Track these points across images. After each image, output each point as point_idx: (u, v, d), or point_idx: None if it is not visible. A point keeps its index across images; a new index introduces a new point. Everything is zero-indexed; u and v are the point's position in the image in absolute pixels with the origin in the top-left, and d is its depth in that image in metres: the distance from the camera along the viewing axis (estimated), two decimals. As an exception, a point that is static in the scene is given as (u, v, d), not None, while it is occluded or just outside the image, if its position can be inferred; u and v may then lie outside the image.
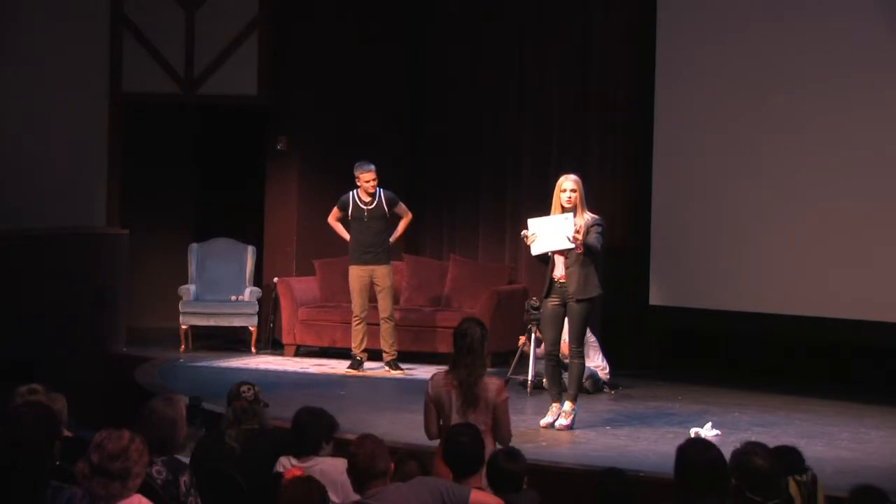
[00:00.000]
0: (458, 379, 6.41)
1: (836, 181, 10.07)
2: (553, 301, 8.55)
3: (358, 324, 10.76)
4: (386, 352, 10.80)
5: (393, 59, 12.71)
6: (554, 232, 8.37)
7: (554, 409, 8.53)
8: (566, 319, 8.59)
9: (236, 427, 6.17)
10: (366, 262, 10.71)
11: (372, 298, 10.83)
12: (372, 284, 10.75)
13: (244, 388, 6.28)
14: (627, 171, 11.55)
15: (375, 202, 10.74)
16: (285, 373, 10.89)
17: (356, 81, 12.42)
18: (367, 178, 10.67)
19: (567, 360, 8.69)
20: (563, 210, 8.45)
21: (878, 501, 4.77)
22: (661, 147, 11.07)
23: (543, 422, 8.49)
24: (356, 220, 10.73)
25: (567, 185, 8.47)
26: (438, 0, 12.72)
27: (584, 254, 8.38)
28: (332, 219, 10.87)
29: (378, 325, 10.79)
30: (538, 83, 12.03)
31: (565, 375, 8.68)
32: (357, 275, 10.75)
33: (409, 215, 10.97)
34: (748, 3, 10.71)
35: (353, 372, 10.76)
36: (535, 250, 8.48)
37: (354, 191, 10.77)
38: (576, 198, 8.43)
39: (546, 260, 8.54)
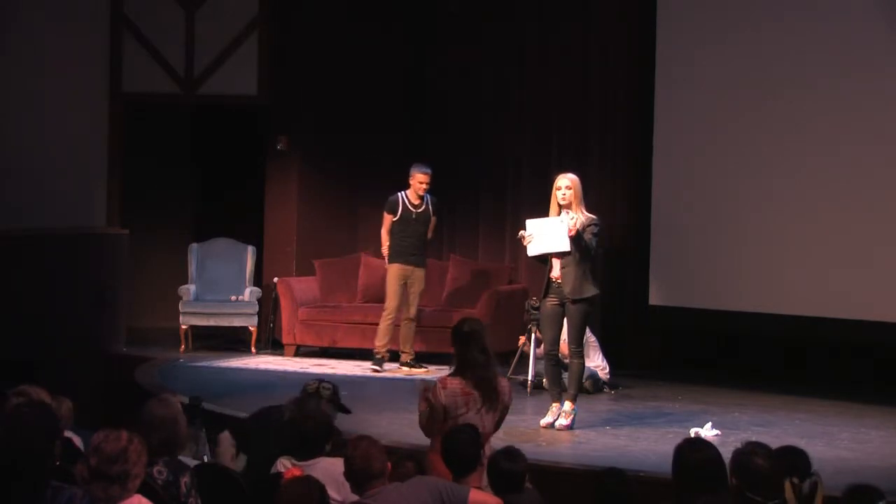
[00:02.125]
0: (475, 379, 6.17)
1: (836, 181, 10.07)
2: (551, 301, 8.55)
3: (389, 321, 10.78)
4: (405, 352, 10.86)
5: (393, 59, 12.70)
6: (551, 233, 8.38)
7: (554, 409, 8.53)
8: (565, 319, 8.60)
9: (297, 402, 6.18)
10: (409, 263, 10.78)
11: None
12: (407, 284, 10.79)
13: (314, 382, 6.40)
14: (627, 171, 11.55)
15: (423, 206, 10.80)
16: (285, 373, 10.87)
17: (356, 81, 12.41)
18: (422, 178, 10.73)
19: (567, 360, 8.69)
20: (560, 208, 8.46)
21: (870, 498, 4.75)
22: (661, 147, 11.07)
23: (543, 422, 8.49)
24: (403, 222, 10.75)
25: (562, 183, 8.48)
26: (438, 0, 12.71)
27: (579, 252, 8.37)
28: (386, 229, 10.81)
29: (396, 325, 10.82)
30: (538, 83, 12.02)
31: (565, 375, 8.68)
32: (399, 273, 10.75)
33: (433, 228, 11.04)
34: (748, 3, 10.72)
35: (377, 370, 10.76)
36: (531, 251, 8.51)
37: (403, 192, 10.80)
38: (571, 195, 8.43)
39: (545, 260, 8.55)
